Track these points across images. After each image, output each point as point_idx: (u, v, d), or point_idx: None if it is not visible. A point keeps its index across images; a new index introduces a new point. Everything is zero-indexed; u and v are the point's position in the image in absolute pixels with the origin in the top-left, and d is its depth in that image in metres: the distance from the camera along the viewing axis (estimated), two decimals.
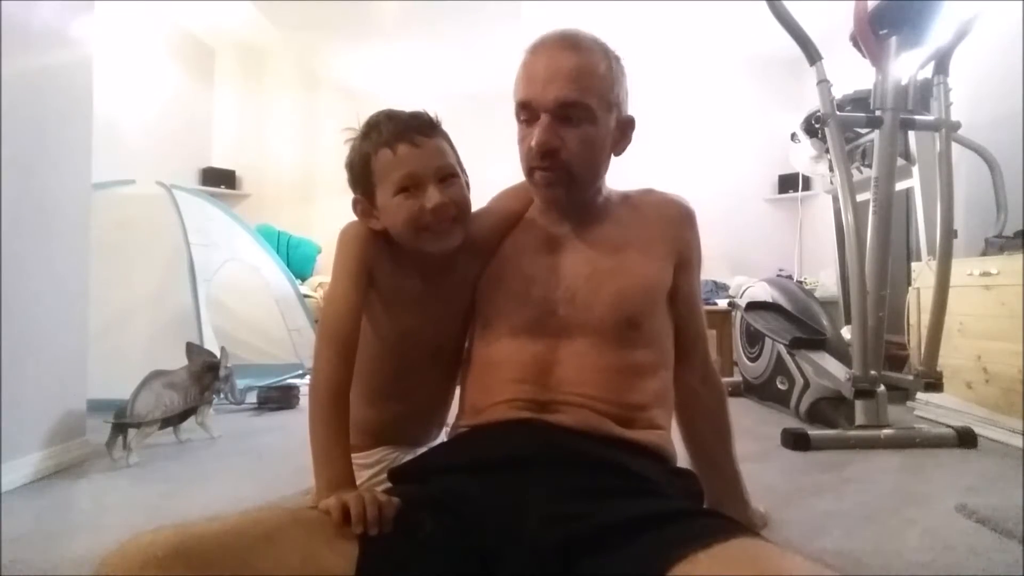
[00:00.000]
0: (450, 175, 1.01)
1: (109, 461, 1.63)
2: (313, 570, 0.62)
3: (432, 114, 1.03)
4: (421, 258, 1.04)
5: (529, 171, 0.93)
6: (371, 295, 1.00)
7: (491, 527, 0.70)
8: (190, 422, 1.87)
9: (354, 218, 1.01)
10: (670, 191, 1.03)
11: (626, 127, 0.96)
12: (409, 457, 1.04)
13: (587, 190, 0.95)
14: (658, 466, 0.85)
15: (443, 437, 1.12)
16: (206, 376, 1.89)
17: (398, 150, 0.97)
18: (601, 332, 0.88)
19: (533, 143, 0.88)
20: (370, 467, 1.09)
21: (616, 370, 0.87)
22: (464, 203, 1.01)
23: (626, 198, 1.01)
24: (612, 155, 0.96)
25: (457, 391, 1.03)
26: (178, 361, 1.88)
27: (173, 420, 1.80)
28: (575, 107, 0.87)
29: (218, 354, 2.00)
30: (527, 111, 0.90)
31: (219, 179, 4.63)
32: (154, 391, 1.73)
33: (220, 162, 4.71)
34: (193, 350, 1.94)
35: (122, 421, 1.64)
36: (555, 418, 0.83)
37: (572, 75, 0.87)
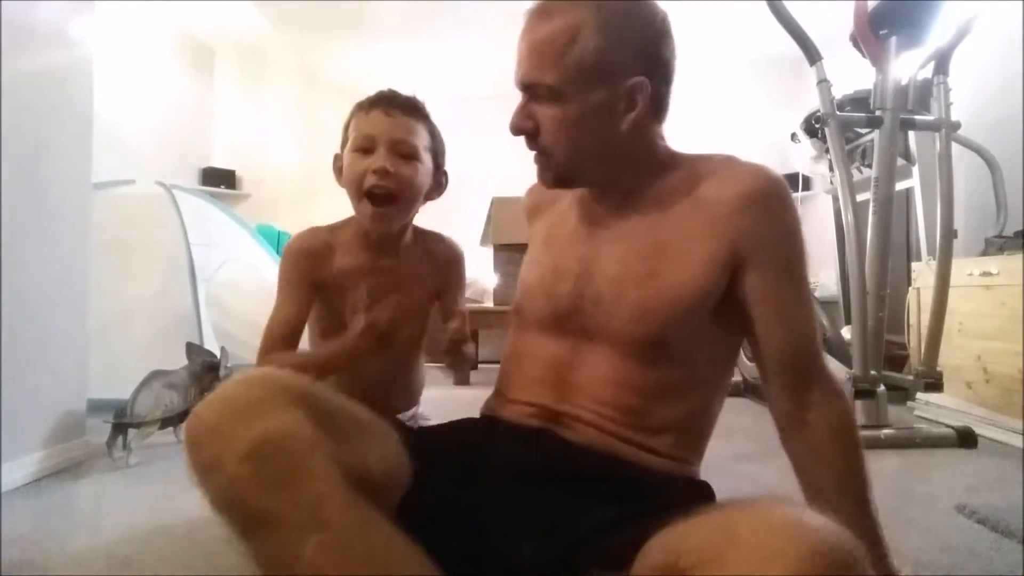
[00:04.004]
0: (408, 155, 1.04)
1: (109, 461, 1.63)
2: (382, 467, 0.67)
3: (422, 103, 1.08)
4: (368, 266, 1.07)
5: None
6: (318, 303, 1.07)
7: (481, 523, 0.69)
8: None
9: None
10: (753, 162, 0.81)
11: (632, 92, 0.78)
12: None
13: (590, 172, 0.83)
14: (659, 491, 0.76)
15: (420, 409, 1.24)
16: (206, 376, 1.89)
17: (370, 112, 1.04)
18: (621, 345, 0.78)
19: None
20: None
21: (633, 388, 0.78)
22: (409, 185, 1.04)
23: (693, 171, 0.82)
24: (625, 130, 0.79)
25: None
26: (178, 361, 1.87)
27: (173, 420, 1.79)
28: (535, 88, 0.79)
29: (218, 354, 2.00)
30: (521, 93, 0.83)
31: (219, 179, 4.62)
32: (154, 391, 1.73)
33: (220, 162, 4.70)
34: (193, 350, 1.93)
35: (122, 421, 1.64)
36: (565, 432, 0.79)
37: (533, 50, 0.78)
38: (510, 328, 0.93)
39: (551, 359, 0.83)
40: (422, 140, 1.07)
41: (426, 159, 1.07)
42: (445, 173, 1.13)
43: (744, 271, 0.77)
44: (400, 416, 1.19)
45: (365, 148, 1.03)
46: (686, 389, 0.81)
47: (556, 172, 0.83)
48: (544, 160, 0.83)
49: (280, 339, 1.02)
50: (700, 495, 0.78)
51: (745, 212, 0.77)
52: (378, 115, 1.03)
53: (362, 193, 1.02)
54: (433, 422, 1.23)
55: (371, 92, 1.08)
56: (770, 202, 0.78)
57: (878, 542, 0.77)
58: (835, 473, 0.78)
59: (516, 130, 0.81)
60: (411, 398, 1.23)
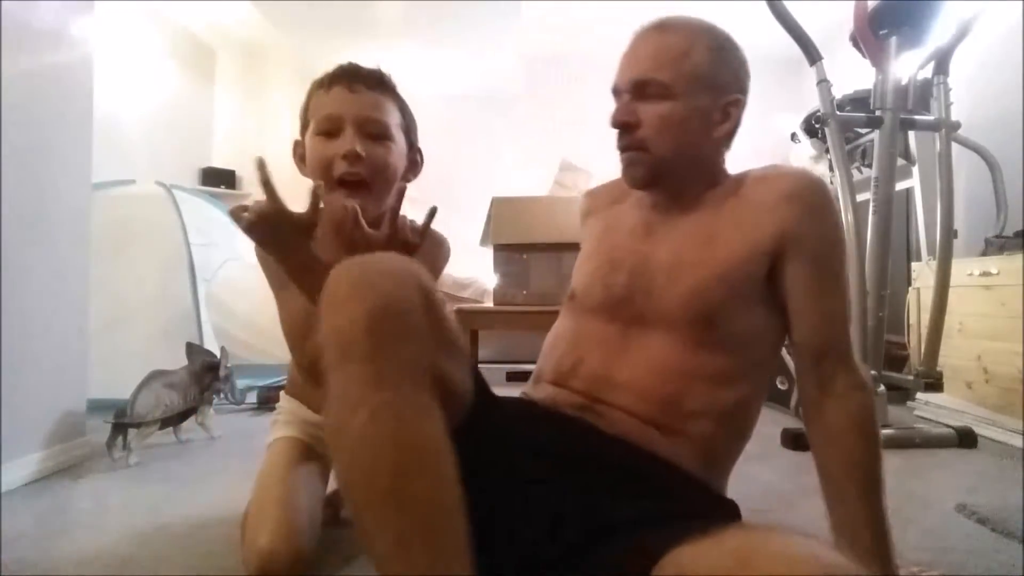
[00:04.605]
0: (379, 135, 0.94)
1: (109, 461, 1.63)
2: (460, 387, 0.70)
3: (389, 75, 0.98)
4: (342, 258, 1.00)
5: (620, 154, 0.92)
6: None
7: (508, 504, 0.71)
8: (190, 422, 1.87)
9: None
10: (797, 167, 0.93)
11: (729, 107, 0.89)
12: None
13: (676, 172, 0.89)
14: (683, 485, 0.79)
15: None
16: (206, 376, 1.89)
17: (332, 90, 0.93)
18: (675, 329, 0.83)
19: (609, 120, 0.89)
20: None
21: (679, 372, 0.82)
22: (380, 169, 0.93)
23: (739, 181, 0.91)
24: (715, 139, 0.90)
25: None
26: (178, 361, 1.88)
27: (173, 420, 1.79)
28: (649, 84, 0.87)
29: (218, 354, 2.00)
30: (615, 94, 0.91)
31: (219, 179, 4.63)
32: (154, 391, 1.73)
33: (220, 162, 4.70)
34: (193, 350, 1.94)
35: (122, 421, 1.64)
36: (600, 421, 0.82)
37: (649, 54, 0.88)
38: (560, 315, 0.98)
39: (600, 343, 0.87)
40: (393, 117, 0.96)
41: (399, 138, 0.97)
42: (419, 151, 1.02)
43: (784, 260, 0.84)
44: None
45: (329, 131, 0.92)
46: (733, 377, 0.84)
47: (647, 168, 0.89)
48: (639, 155, 0.88)
49: (308, 328, 0.93)
50: (725, 513, 0.80)
51: (789, 206, 0.84)
52: (341, 92, 0.92)
53: (332, 181, 0.92)
54: None
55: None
56: (813, 199, 0.85)
57: (883, 535, 0.79)
58: (847, 462, 0.81)
59: (619, 123, 0.88)
60: None
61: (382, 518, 0.55)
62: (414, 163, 1.03)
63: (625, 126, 0.88)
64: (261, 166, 0.78)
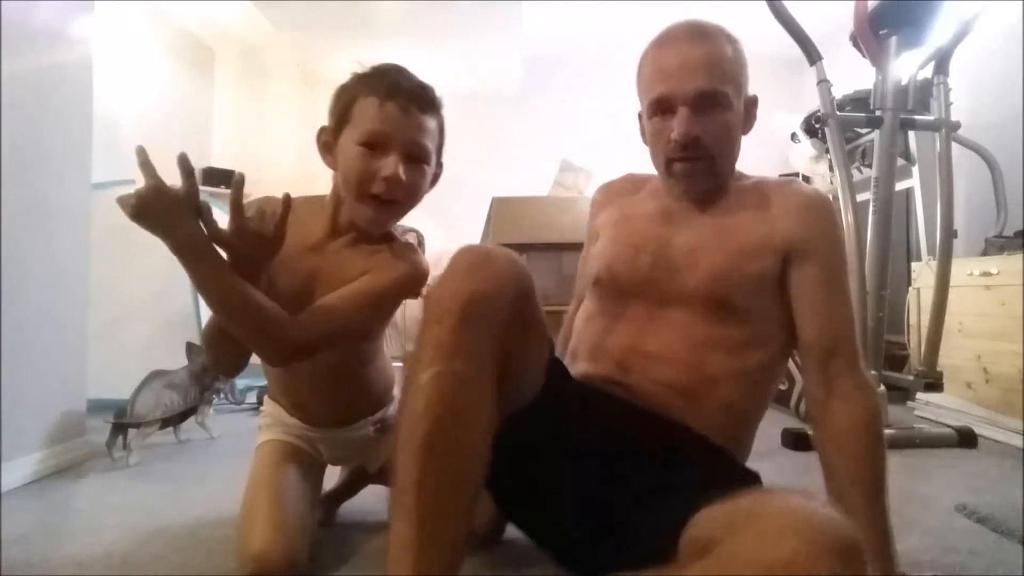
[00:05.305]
0: (420, 158, 0.97)
1: (109, 461, 1.63)
2: (528, 378, 0.81)
3: (438, 96, 1.00)
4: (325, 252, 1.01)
5: (667, 163, 0.95)
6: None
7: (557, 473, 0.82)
8: (190, 422, 1.87)
9: None
10: (810, 186, 1.00)
11: (751, 107, 0.97)
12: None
13: (727, 174, 0.98)
14: (707, 454, 0.86)
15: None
16: (206, 376, 1.89)
17: (385, 105, 0.94)
18: (695, 306, 0.91)
19: (674, 135, 0.91)
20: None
21: (702, 343, 0.90)
22: (414, 193, 0.98)
23: (757, 185, 0.99)
24: (743, 135, 0.97)
25: None
26: (178, 361, 1.88)
27: (173, 420, 1.79)
28: (714, 96, 0.90)
29: None
30: (662, 105, 0.92)
31: (219, 179, 4.61)
32: (154, 391, 1.73)
33: (220, 162, 4.70)
34: (193, 350, 1.94)
35: (122, 421, 1.64)
36: (632, 396, 0.90)
37: (706, 64, 0.90)
38: (587, 299, 1.05)
39: (629, 320, 0.95)
40: (434, 140, 0.99)
41: (433, 158, 1.01)
42: (441, 165, 1.05)
43: (793, 264, 0.91)
44: (366, 421, 1.15)
45: (374, 145, 0.94)
46: (743, 349, 0.91)
47: (711, 175, 0.95)
48: (706, 164, 0.93)
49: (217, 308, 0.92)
50: (747, 480, 0.85)
51: (801, 215, 0.92)
52: (394, 110, 0.93)
53: (366, 195, 0.95)
54: None
55: None
56: (822, 212, 0.93)
57: (884, 534, 0.82)
58: (851, 461, 0.84)
59: (689, 137, 0.90)
60: (372, 400, 1.16)
61: (414, 457, 0.65)
62: (436, 177, 1.06)
63: (697, 140, 0.90)
64: (140, 151, 0.83)
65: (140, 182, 0.86)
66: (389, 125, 0.94)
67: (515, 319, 0.72)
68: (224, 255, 0.89)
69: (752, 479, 0.85)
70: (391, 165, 0.93)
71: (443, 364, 0.67)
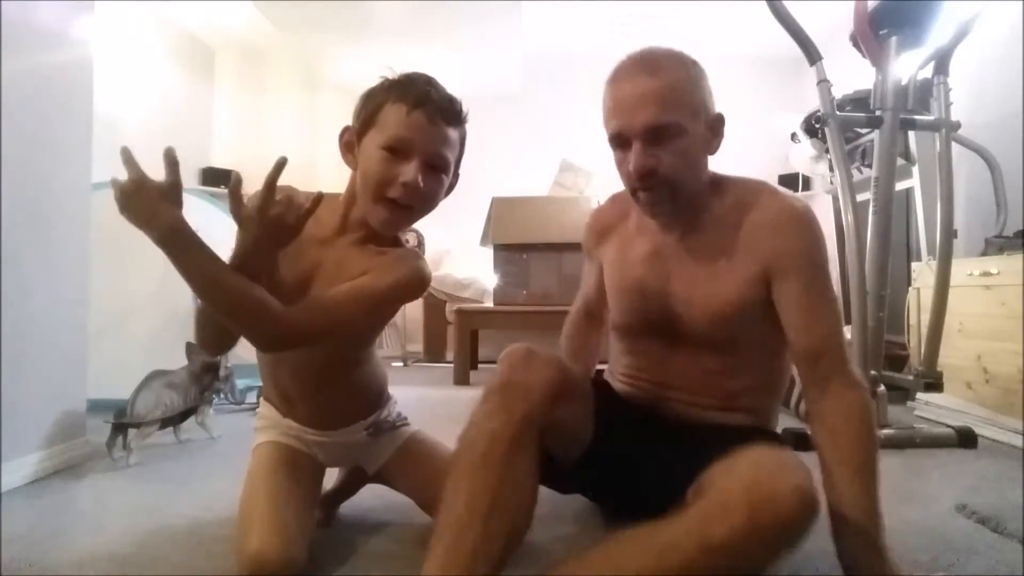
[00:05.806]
0: (440, 168, 0.99)
1: (109, 461, 1.63)
2: (576, 430, 1.03)
3: (464, 110, 1.02)
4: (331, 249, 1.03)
5: (632, 192, 1.01)
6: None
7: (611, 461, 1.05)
8: (190, 422, 1.87)
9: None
10: (784, 191, 1.06)
11: (716, 125, 1.00)
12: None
13: (691, 197, 1.01)
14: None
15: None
16: (206, 376, 1.89)
17: (413, 113, 0.96)
18: (703, 342, 1.04)
19: (630, 168, 0.95)
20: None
21: (716, 371, 1.05)
22: (430, 201, 1.00)
23: (736, 203, 1.02)
24: (708, 155, 1.01)
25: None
26: (178, 361, 1.88)
27: (173, 420, 1.79)
28: (664, 128, 0.93)
29: None
30: (619, 139, 0.97)
31: (219, 179, 4.62)
32: (154, 391, 1.73)
33: (220, 162, 4.70)
34: (193, 350, 1.94)
35: (122, 421, 1.64)
36: (665, 411, 1.09)
37: (655, 98, 0.93)
38: (611, 334, 1.21)
39: (650, 355, 1.11)
40: (455, 151, 1.01)
41: (451, 170, 1.03)
42: (457, 175, 1.07)
43: (773, 281, 0.97)
44: (358, 424, 1.14)
45: (397, 151, 0.95)
46: (754, 362, 1.06)
47: (671, 201, 0.99)
48: (666, 192, 0.97)
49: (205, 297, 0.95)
50: (767, 437, 1.01)
51: (775, 235, 0.97)
52: (420, 119, 0.95)
53: (383, 197, 0.97)
54: (413, 424, 1.23)
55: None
56: (794, 224, 0.97)
57: (874, 518, 0.84)
58: (842, 451, 0.88)
59: (643, 171, 0.95)
60: (363, 404, 1.15)
61: (460, 484, 0.78)
62: (451, 187, 1.07)
63: (652, 172, 0.94)
64: (124, 151, 0.84)
65: None
66: (414, 133, 0.96)
67: (551, 393, 0.86)
68: (229, 246, 0.91)
69: (773, 435, 1.08)
70: (411, 172, 0.95)
71: (492, 422, 0.82)
